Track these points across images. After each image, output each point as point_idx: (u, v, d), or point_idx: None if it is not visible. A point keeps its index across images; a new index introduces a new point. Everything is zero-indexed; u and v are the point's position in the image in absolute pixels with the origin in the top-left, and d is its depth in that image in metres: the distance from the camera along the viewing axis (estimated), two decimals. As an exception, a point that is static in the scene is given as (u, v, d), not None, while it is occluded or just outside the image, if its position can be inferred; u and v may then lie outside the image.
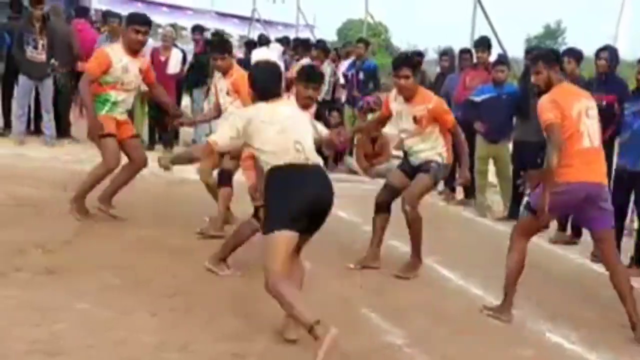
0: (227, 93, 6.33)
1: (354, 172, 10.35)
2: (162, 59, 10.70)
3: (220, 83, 6.42)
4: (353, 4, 18.35)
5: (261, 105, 4.18)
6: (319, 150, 4.31)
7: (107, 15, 11.46)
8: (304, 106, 4.82)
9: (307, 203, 3.89)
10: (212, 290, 4.81)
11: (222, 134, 4.19)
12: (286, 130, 4.07)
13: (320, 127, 4.77)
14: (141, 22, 6.26)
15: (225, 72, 6.35)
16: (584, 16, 65.85)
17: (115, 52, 6.20)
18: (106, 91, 6.20)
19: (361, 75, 11.10)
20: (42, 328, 3.87)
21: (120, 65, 6.13)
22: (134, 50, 6.27)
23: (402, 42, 24.90)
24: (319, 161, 4.16)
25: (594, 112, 4.82)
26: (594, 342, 4.61)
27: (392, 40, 28.94)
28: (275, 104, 4.21)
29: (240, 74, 6.21)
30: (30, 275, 4.72)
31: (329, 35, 23.39)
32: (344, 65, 11.67)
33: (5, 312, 4.06)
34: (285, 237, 3.82)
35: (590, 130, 4.73)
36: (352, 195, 8.04)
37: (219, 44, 6.62)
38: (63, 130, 10.56)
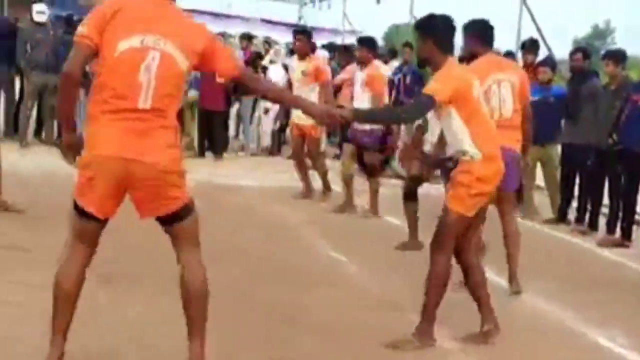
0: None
1: (401, 177, 10.25)
2: (212, 67, 10.89)
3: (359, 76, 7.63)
4: (399, 9, 18.39)
5: None
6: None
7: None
8: None
9: None
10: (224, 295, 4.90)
11: None
12: None
13: None
14: (295, 32, 8.57)
15: (364, 65, 7.55)
16: (634, 15, 64.41)
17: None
18: None
19: (408, 79, 11.16)
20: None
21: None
22: (298, 54, 8.28)
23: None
24: None
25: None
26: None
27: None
28: None
29: (376, 70, 7.62)
30: (92, 282, 4.71)
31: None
32: (390, 69, 11.71)
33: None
34: None
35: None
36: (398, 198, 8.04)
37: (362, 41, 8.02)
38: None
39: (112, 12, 3.13)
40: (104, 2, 3.19)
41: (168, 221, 3.24)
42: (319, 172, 8.49)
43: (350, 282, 5.37)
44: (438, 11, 4.35)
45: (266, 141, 12.24)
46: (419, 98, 4.01)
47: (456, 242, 4.24)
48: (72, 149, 3.28)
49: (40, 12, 10.43)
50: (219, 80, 10.74)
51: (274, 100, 3.64)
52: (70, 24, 10.69)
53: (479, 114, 4.16)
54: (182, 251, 3.30)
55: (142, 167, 3.09)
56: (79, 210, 3.18)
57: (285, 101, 4.01)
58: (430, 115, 5.12)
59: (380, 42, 26.08)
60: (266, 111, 11.71)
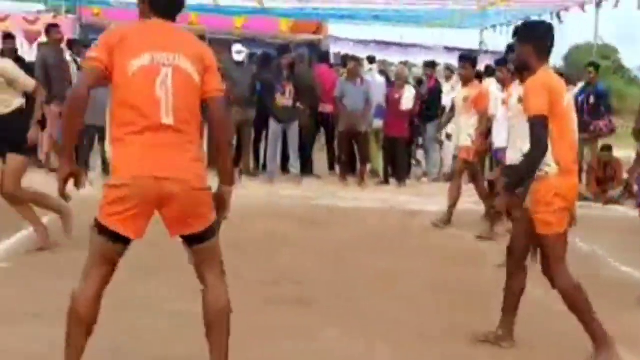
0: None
1: (586, 199, 9.86)
2: (396, 96, 11.28)
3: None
4: (582, 28, 17.83)
5: None
6: None
7: (346, 59, 12.33)
8: None
9: None
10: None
11: None
12: None
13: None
14: (460, 58, 8.51)
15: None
16: None
17: None
18: None
19: (592, 99, 10.99)
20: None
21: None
22: (462, 80, 8.40)
23: (633, 62, 23.30)
24: None
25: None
26: None
27: (622, 62, 27.44)
28: None
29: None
30: (283, 306, 4.99)
31: (555, 60, 22.64)
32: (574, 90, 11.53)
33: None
34: None
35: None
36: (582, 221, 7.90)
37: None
38: (307, 167, 11.39)
39: (118, 38, 3.15)
40: (109, 30, 3.26)
41: (194, 240, 3.25)
42: (480, 196, 8.39)
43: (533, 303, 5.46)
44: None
45: (448, 167, 12.37)
46: (534, 126, 4.00)
47: (523, 244, 4.36)
48: (68, 179, 3.22)
49: (239, 52, 10.97)
50: (404, 108, 11.19)
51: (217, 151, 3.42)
52: (266, 61, 11.43)
53: (567, 127, 4.17)
54: (205, 272, 3.32)
55: (174, 184, 3.09)
56: (103, 232, 3.12)
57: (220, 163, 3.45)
58: (519, 123, 5.05)
59: (559, 62, 25.30)
60: (448, 137, 11.85)
